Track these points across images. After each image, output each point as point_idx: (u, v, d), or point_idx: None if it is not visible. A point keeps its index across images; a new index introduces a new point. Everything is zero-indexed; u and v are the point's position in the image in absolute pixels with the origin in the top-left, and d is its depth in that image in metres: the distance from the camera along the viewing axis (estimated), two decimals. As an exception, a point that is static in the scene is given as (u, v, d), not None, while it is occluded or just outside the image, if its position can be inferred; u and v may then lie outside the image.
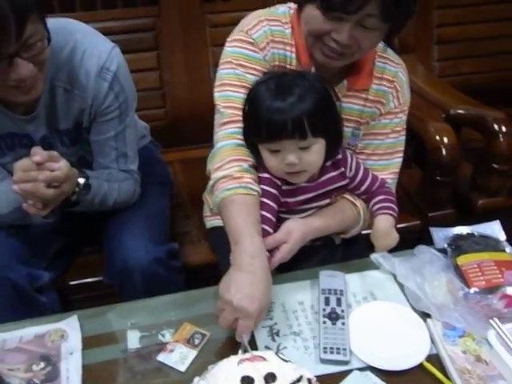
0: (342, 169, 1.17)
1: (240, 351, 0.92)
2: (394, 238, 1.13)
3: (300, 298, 1.11)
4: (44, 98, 1.17)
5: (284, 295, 1.11)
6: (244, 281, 0.95)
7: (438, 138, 1.53)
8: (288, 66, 1.16)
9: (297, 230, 1.10)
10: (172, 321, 1.06)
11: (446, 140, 1.52)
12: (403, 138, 1.24)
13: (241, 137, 1.12)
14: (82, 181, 1.18)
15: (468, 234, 1.23)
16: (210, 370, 0.87)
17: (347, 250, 1.30)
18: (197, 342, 1.02)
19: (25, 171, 1.04)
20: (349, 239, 1.27)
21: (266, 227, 1.09)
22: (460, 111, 1.67)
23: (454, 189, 1.69)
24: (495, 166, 1.61)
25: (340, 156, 1.16)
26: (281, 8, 1.18)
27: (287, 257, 1.09)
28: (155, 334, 1.03)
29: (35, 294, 1.27)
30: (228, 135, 1.12)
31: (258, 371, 0.84)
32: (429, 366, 0.96)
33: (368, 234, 1.20)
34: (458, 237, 1.22)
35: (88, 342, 1.01)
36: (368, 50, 1.11)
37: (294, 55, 1.15)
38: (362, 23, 1.01)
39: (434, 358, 0.98)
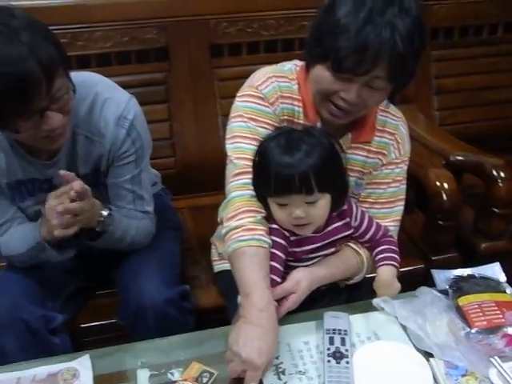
0: (348, 219, 1.21)
1: None
2: (395, 288, 1.17)
3: (305, 338, 1.14)
4: (66, 144, 1.24)
5: (290, 335, 1.14)
6: (253, 334, 0.99)
7: (438, 183, 1.58)
8: (296, 120, 1.20)
9: (304, 280, 1.14)
10: (181, 360, 1.08)
11: (446, 185, 1.57)
12: (404, 187, 1.29)
13: (251, 187, 1.16)
14: (105, 212, 1.25)
15: (469, 275, 1.26)
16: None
17: (351, 294, 1.33)
18: (205, 380, 1.04)
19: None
20: (352, 284, 1.31)
21: (275, 277, 1.13)
22: (459, 158, 1.73)
23: (456, 233, 1.73)
24: (496, 210, 1.65)
25: (346, 207, 1.21)
26: (287, 65, 1.23)
27: (294, 306, 1.14)
28: (164, 372, 1.06)
29: (48, 335, 1.30)
30: (242, 186, 1.16)
31: (264, 406, 0.87)
32: (432, 404, 0.98)
33: (371, 278, 1.25)
34: (459, 278, 1.25)
35: (99, 381, 1.04)
36: (373, 107, 1.17)
37: (301, 110, 1.20)
38: (369, 84, 1.07)
39: (437, 397, 1.00)
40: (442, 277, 1.26)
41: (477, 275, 1.26)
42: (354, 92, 1.07)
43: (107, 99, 1.26)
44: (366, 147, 1.25)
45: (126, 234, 1.34)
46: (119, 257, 1.40)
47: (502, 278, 1.25)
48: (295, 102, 1.20)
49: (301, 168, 1.05)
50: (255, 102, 1.18)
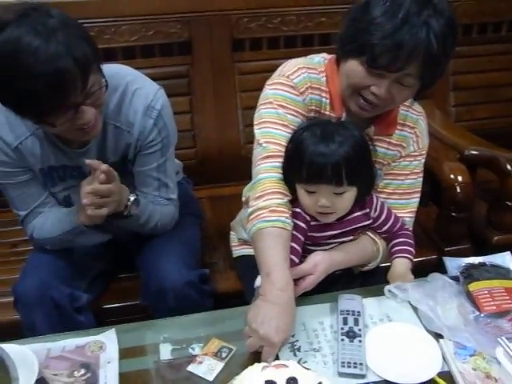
0: (368, 209, 1.26)
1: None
2: (408, 280, 1.23)
3: (320, 319, 1.19)
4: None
5: (305, 316, 1.19)
6: (271, 312, 1.04)
7: (452, 176, 1.62)
8: (322, 111, 1.25)
9: (322, 263, 1.20)
10: (201, 336, 1.14)
11: (460, 178, 1.61)
12: (421, 179, 1.34)
13: (282, 171, 1.20)
14: (132, 197, 1.31)
15: (480, 263, 1.30)
16: (236, 377, 0.96)
17: (365, 280, 1.37)
18: (224, 355, 1.10)
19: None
20: (367, 271, 1.35)
21: (294, 257, 1.18)
22: (474, 152, 1.76)
23: (470, 226, 1.77)
24: (509, 203, 1.69)
25: (367, 198, 1.26)
26: (316, 58, 1.28)
27: (311, 287, 1.19)
28: (186, 347, 1.12)
29: (74, 313, 1.37)
30: (271, 168, 1.20)
31: (280, 376, 0.92)
32: (440, 381, 1.02)
33: (386, 267, 1.30)
34: (470, 266, 1.29)
35: (124, 353, 1.11)
36: (400, 103, 1.21)
37: (328, 101, 1.24)
38: (400, 81, 1.11)
39: (446, 375, 1.04)
40: (454, 264, 1.30)
41: (487, 263, 1.30)
42: (384, 87, 1.12)
43: (137, 89, 1.31)
44: (387, 139, 1.30)
45: (151, 219, 1.40)
46: (143, 242, 1.47)
47: (512, 266, 1.29)
48: (323, 94, 1.24)
49: (334, 158, 1.10)
50: (286, 90, 1.22)
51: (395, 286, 1.22)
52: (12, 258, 1.75)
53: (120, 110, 1.31)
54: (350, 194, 1.17)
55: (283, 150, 1.20)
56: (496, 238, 1.73)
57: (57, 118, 1.12)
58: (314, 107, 1.25)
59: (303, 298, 1.25)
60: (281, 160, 1.20)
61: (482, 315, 1.15)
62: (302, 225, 1.22)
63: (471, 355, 1.07)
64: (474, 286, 1.22)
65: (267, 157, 1.21)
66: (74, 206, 1.37)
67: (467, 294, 1.21)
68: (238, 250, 1.52)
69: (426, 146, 1.33)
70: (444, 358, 1.07)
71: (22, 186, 1.35)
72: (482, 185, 1.81)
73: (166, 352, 1.11)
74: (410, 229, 1.34)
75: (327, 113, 1.25)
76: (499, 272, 1.26)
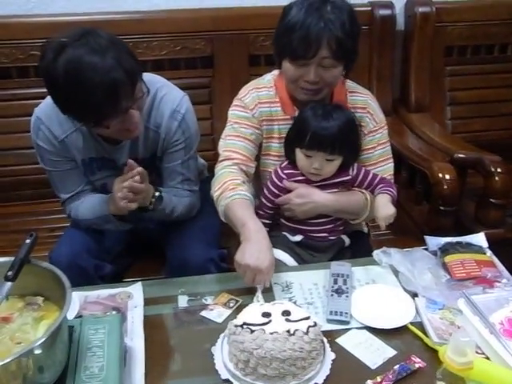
0: (345, 169, 1.50)
1: (255, 299, 1.26)
2: (391, 209, 1.42)
3: (315, 281, 1.39)
4: None
5: (302, 278, 1.40)
6: (254, 248, 1.28)
7: (440, 175, 1.82)
8: (274, 118, 1.52)
9: (303, 187, 1.47)
10: (213, 291, 1.36)
11: (447, 176, 1.80)
12: (389, 148, 1.59)
13: (233, 166, 1.47)
14: (157, 194, 1.52)
15: (457, 241, 1.49)
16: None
17: (354, 255, 1.57)
18: (232, 305, 1.31)
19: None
20: (357, 244, 1.56)
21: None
22: (461, 155, 1.96)
23: (460, 222, 1.95)
24: (492, 200, 1.88)
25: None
26: (267, 77, 1.56)
27: (291, 202, 1.47)
28: (200, 298, 1.33)
29: (99, 280, 1.57)
30: (226, 166, 1.48)
31: (276, 309, 1.13)
32: (412, 327, 1.22)
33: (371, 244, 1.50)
34: (448, 243, 1.48)
35: (148, 301, 1.32)
36: (333, 83, 1.45)
37: (279, 109, 1.52)
38: (321, 64, 1.36)
39: (418, 324, 1.23)
40: (434, 242, 1.49)
41: (463, 242, 1.49)
42: (312, 73, 1.37)
43: (165, 95, 1.53)
44: None
45: (175, 209, 1.61)
46: (166, 227, 1.69)
47: (485, 244, 1.48)
48: (273, 105, 1.52)
49: (332, 131, 1.38)
50: (239, 110, 1.53)
51: (381, 250, 1.42)
52: (50, 240, 1.98)
53: (150, 113, 1.52)
54: (337, 162, 1.44)
55: (237, 155, 1.49)
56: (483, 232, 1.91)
57: (111, 121, 1.32)
58: (265, 117, 1.52)
59: (301, 266, 1.47)
60: (234, 161, 1.48)
61: (453, 280, 1.34)
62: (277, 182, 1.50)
63: (440, 309, 1.26)
64: (448, 258, 1.41)
65: (226, 159, 1.50)
66: (106, 197, 1.58)
67: (443, 264, 1.40)
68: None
69: (384, 120, 1.58)
70: (417, 312, 1.26)
71: (65, 174, 1.58)
72: (470, 185, 2.01)
73: (183, 301, 1.32)
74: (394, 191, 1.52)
75: (279, 117, 1.52)
76: (472, 248, 1.45)
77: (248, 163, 1.50)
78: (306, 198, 1.46)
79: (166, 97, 1.54)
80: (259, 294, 1.27)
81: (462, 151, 1.98)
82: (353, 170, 1.50)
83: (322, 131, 1.39)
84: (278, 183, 1.50)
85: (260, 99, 1.52)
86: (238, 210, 1.37)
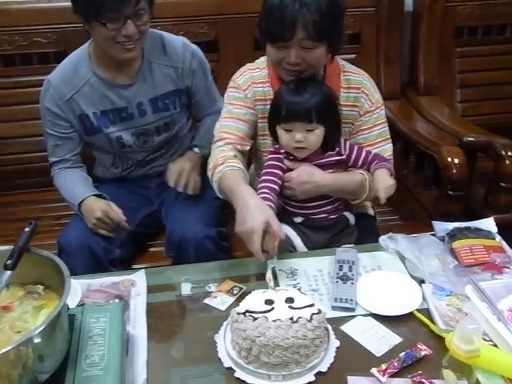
0: (337, 149, 1.48)
1: (266, 277, 1.24)
2: (391, 181, 1.39)
3: (319, 267, 1.37)
4: (142, 72, 1.65)
5: (307, 264, 1.38)
6: (249, 210, 1.27)
7: (449, 159, 1.78)
8: (267, 97, 1.50)
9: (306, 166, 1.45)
10: (217, 278, 1.34)
11: (456, 160, 1.77)
12: (386, 128, 1.55)
13: (225, 145, 1.47)
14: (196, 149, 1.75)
15: (465, 227, 1.46)
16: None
17: (360, 239, 1.55)
18: (235, 292, 1.29)
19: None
20: (364, 227, 1.55)
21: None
22: (471, 139, 1.92)
23: (469, 207, 1.92)
24: (503, 184, 1.84)
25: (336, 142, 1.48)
26: (261, 59, 1.56)
27: (294, 182, 1.44)
28: (203, 286, 1.32)
29: (108, 264, 1.59)
30: (222, 145, 1.48)
31: (279, 296, 1.11)
32: (419, 314, 1.19)
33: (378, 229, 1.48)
34: (456, 229, 1.45)
35: (151, 289, 1.31)
36: (317, 64, 1.42)
37: (270, 89, 1.50)
38: (301, 45, 1.34)
39: (424, 311, 1.21)
40: (442, 227, 1.47)
41: (472, 227, 1.46)
42: (292, 55, 1.36)
43: (173, 37, 1.71)
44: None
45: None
46: (170, 204, 1.73)
47: (494, 229, 1.45)
48: (265, 85, 1.52)
49: (306, 100, 1.37)
50: (233, 91, 1.54)
51: (388, 236, 1.39)
52: (55, 228, 1.98)
53: (163, 52, 1.67)
54: (319, 132, 1.41)
55: (229, 135, 1.49)
56: (492, 217, 1.87)
57: (110, 20, 1.43)
58: (258, 97, 1.51)
59: (307, 252, 1.45)
60: (226, 141, 1.49)
61: (460, 267, 1.31)
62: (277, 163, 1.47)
63: (447, 295, 1.23)
64: (456, 244, 1.38)
65: (220, 139, 1.50)
66: (85, 190, 1.65)
67: (451, 250, 1.37)
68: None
69: (380, 100, 1.54)
70: (424, 299, 1.24)
71: (59, 139, 1.69)
72: (479, 169, 1.97)
73: (186, 289, 1.31)
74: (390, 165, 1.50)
75: (272, 97, 1.50)
76: (481, 234, 1.42)
77: (241, 142, 1.50)
78: (307, 177, 1.44)
79: (175, 37, 1.73)
80: (269, 275, 1.24)
81: (471, 135, 1.94)
82: (345, 149, 1.48)
83: (295, 101, 1.38)
84: (279, 163, 1.47)
85: (254, 79, 1.52)
86: (227, 181, 1.39)
